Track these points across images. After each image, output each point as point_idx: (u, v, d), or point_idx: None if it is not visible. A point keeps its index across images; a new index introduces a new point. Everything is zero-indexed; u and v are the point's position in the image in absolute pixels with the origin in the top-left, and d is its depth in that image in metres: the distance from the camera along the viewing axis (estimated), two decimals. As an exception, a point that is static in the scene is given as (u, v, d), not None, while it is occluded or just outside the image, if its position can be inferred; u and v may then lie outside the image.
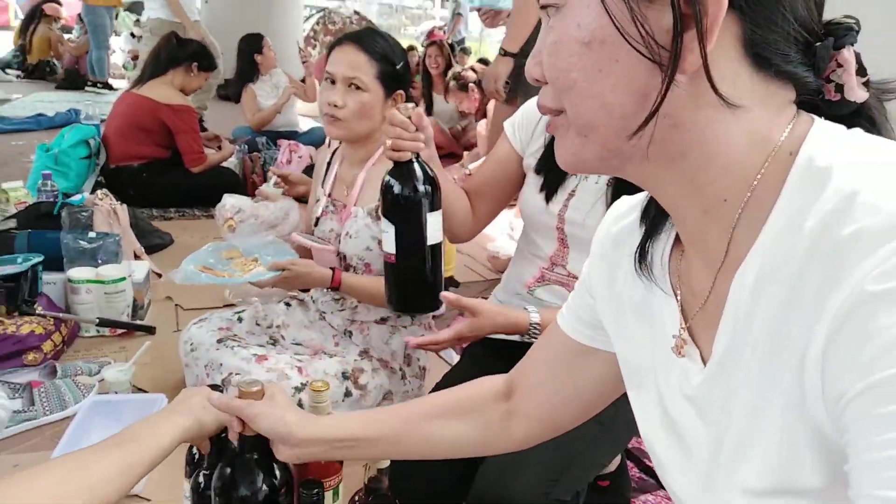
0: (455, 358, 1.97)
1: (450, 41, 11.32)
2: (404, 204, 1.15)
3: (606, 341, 0.71)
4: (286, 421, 0.84)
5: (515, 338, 1.29)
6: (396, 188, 1.15)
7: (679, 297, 0.59)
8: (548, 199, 1.33)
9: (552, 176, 1.32)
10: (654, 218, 0.61)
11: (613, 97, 0.49)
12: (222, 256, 1.59)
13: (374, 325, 1.75)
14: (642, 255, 0.61)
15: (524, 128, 1.40)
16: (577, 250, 1.32)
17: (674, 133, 0.49)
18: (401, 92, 1.64)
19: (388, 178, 1.16)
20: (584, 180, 1.31)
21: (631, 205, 0.67)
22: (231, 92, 5.95)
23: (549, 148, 1.33)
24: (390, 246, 1.16)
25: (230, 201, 1.67)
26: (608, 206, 1.21)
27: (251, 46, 4.61)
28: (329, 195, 1.73)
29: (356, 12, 12.01)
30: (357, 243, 1.65)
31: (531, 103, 1.41)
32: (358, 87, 1.57)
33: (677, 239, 0.60)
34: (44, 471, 0.76)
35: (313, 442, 0.84)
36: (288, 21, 8.23)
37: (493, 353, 1.40)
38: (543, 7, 0.51)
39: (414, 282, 1.21)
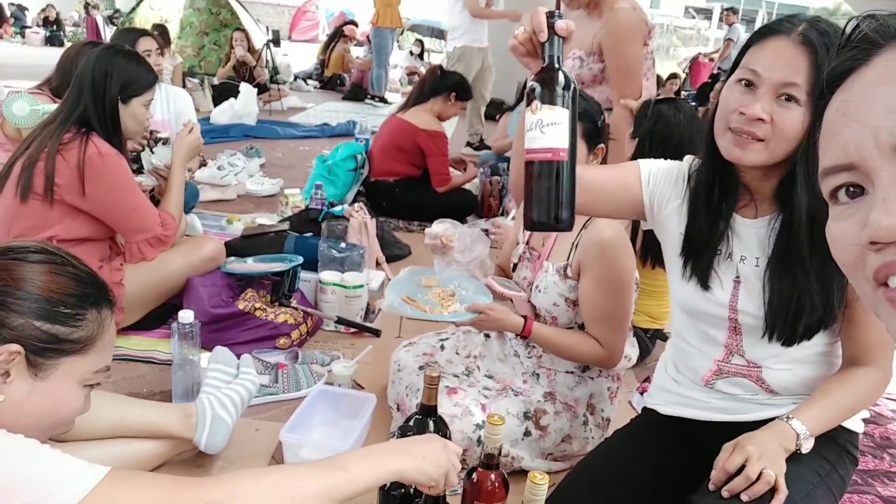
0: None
1: (715, 69, 10.81)
2: (573, 88, 1.02)
3: None
4: None
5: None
6: (561, 77, 1.02)
7: None
8: (704, 285, 1.27)
9: (702, 260, 1.26)
10: None
11: None
12: (420, 283, 1.78)
13: (560, 372, 1.81)
14: None
15: (663, 184, 1.33)
16: (752, 335, 1.26)
17: None
18: (602, 146, 1.68)
19: (548, 71, 1.03)
20: (741, 263, 1.24)
21: None
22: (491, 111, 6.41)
23: (697, 228, 1.26)
24: (560, 138, 0.99)
25: (438, 226, 1.85)
26: (770, 289, 1.18)
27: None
28: (527, 242, 1.85)
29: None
30: (545, 298, 1.72)
31: (673, 162, 1.35)
32: None
33: None
34: (267, 473, 0.98)
35: None
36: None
37: (680, 425, 1.41)
38: None
39: (571, 190, 1.03)
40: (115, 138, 2.07)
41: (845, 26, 0.55)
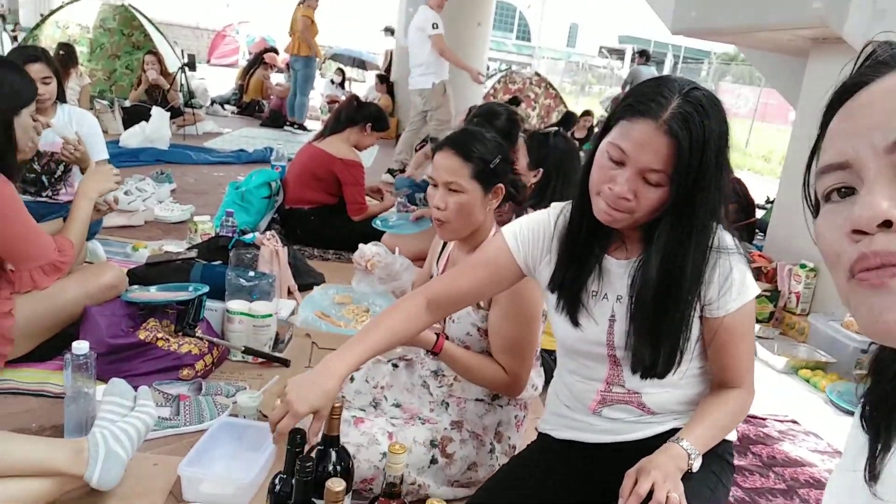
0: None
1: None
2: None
3: None
4: None
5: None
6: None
7: None
8: (574, 322, 1.36)
9: (571, 298, 1.35)
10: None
11: None
12: (334, 300, 1.79)
13: (470, 401, 1.84)
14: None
15: (531, 243, 1.41)
16: (629, 368, 1.33)
17: None
18: (500, 185, 1.72)
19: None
20: (617, 302, 1.33)
21: None
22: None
23: (567, 268, 1.35)
24: None
25: (371, 248, 1.88)
26: (632, 327, 1.28)
27: None
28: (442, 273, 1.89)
29: (537, 73, 12.39)
30: (458, 328, 1.76)
31: (539, 215, 1.43)
32: (456, 190, 1.68)
33: None
34: None
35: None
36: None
37: (572, 449, 1.47)
38: None
39: None
40: (10, 155, 1.98)
41: (863, 49, 0.60)
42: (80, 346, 1.78)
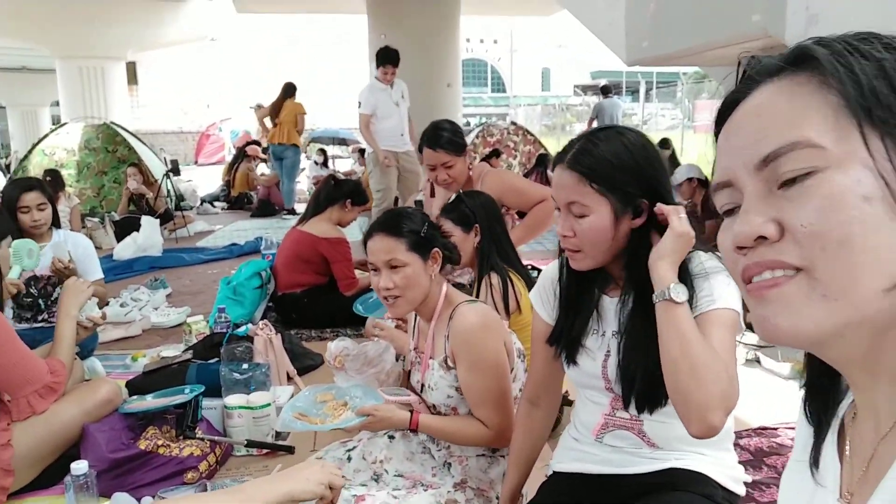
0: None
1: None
2: None
3: None
4: None
5: (607, 471, 1.40)
6: None
7: (843, 460, 0.61)
8: (574, 363, 1.43)
9: (571, 340, 1.42)
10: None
11: (886, 252, 0.49)
12: (316, 400, 1.81)
13: (472, 458, 1.84)
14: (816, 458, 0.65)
15: (548, 294, 1.49)
16: (622, 398, 1.36)
17: None
18: (436, 250, 1.77)
19: None
20: (613, 337, 1.38)
21: None
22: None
23: (566, 324, 1.43)
24: None
25: (337, 344, 1.92)
26: (622, 360, 1.31)
27: None
28: (415, 347, 1.92)
29: (513, 123, 12.63)
30: (438, 394, 1.78)
31: (549, 268, 1.51)
32: (397, 266, 1.71)
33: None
34: (185, 499, 1.07)
35: None
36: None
37: (577, 481, 1.47)
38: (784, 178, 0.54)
39: None
40: None
41: (740, 62, 0.64)
42: (79, 467, 1.80)
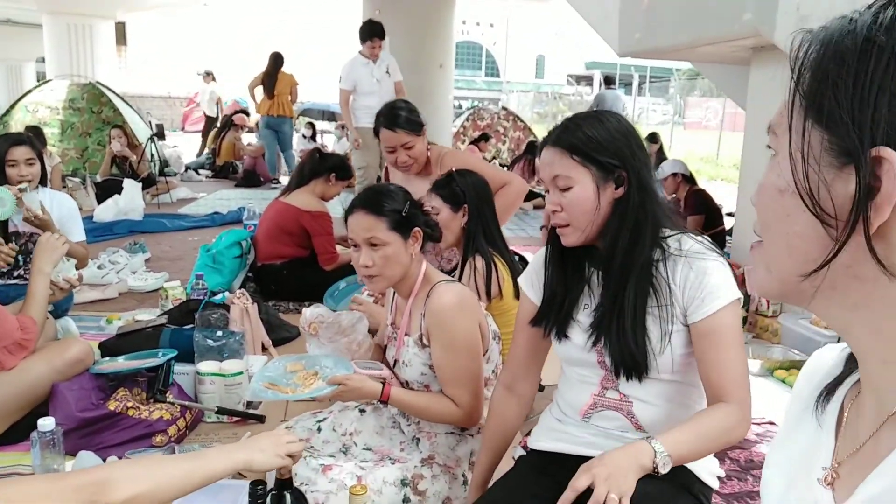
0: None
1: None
2: None
3: None
4: None
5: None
6: None
7: (839, 434, 0.62)
8: (565, 337, 1.45)
9: (565, 320, 1.45)
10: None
11: (798, 241, 0.53)
12: (286, 370, 1.82)
13: (441, 434, 1.86)
14: (829, 392, 0.65)
15: (539, 276, 1.51)
16: (614, 368, 1.37)
17: (856, 283, 0.52)
18: (417, 229, 1.78)
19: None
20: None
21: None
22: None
23: (555, 288, 1.46)
24: None
25: (313, 311, 1.92)
26: (609, 331, 1.33)
27: None
28: (392, 323, 1.93)
29: (504, 108, 12.61)
30: (412, 371, 1.79)
31: (542, 253, 1.53)
32: (377, 245, 1.72)
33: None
34: (141, 458, 1.20)
35: None
36: (438, 117, 8.67)
37: (547, 461, 1.49)
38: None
39: None
40: None
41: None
42: (46, 423, 1.80)
